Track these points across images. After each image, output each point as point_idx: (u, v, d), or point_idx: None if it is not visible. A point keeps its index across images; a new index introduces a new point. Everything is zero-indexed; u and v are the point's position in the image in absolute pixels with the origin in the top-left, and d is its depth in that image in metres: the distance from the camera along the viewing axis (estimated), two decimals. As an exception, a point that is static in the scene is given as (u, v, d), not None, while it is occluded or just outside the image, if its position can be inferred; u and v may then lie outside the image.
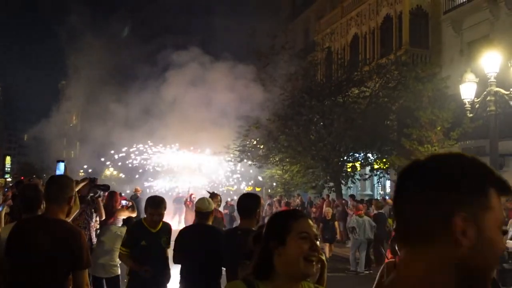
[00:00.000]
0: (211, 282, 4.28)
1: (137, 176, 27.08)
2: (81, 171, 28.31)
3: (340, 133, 16.38)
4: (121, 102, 23.65)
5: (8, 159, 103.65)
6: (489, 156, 11.27)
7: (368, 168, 17.99)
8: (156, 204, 4.77)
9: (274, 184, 22.00)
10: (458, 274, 0.91)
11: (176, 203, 20.25)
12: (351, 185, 18.10)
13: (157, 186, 24.31)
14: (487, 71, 10.48)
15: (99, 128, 24.75)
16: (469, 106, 11.17)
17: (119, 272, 6.06)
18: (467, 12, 18.07)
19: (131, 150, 23.46)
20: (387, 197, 18.89)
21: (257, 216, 3.86)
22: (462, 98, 11.32)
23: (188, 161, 22.66)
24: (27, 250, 2.82)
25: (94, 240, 7.17)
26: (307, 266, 1.75)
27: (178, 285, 4.43)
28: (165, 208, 4.83)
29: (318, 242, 1.82)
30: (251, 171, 21.12)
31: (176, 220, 19.09)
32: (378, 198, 21.12)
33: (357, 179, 18.31)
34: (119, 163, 24.55)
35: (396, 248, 5.85)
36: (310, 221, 1.88)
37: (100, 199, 7.17)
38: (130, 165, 25.05)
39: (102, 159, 26.07)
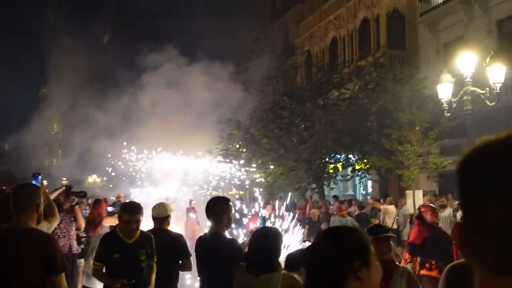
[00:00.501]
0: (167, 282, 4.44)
1: (122, 181, 26.66)
2: (64, 179, 27.80)
3: (321, 135, 16.40)
4: (102, 108, 23.30)
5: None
6: (467, 154, 11.37)
7: (349, 169, 18.03)
8: (131, 209, 4.18)
9: (255, 189, 21.85)
10: None
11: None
12: (334, 186, 18.13)
13: (142, 193, 23.88)
14: (463, 71, 10.57)
15: (80, 136, 24.33)
16: (447, 105, 11.26)
17: None
18: (442, 14, 18.28)
19: (112, 156, 23.07)
20: (368, 197, 18.98)
21: (225, 220, 3.81)
22: (440, 98, 11.41)
23: (175, 165, 22.35)
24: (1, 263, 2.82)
25: (75, 248, 6.99)
26: None
27: None
28: (142, 215, 4.22)
29: None
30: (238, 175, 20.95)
31: (176, 229, 18.53)
32: (360, 198, 21.21)
33: (339, 180, 18.33)
34: (105, 170, 24.15)
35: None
36: None
37: (78, 206, 7.00)
38: (113, 173, 24.66)
39: (84, 167, 25.64)
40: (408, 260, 5.87)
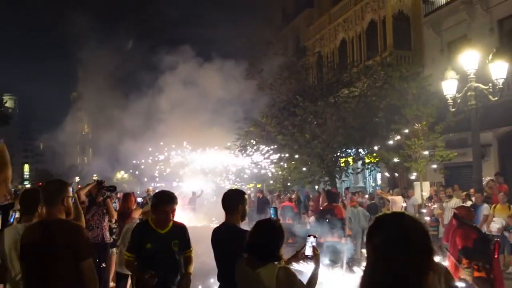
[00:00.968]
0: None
1: (145, 179, 27.01)
2: (95, 175, 28.27)
3: (332, 131, 16.35)
4: (128, 110, 23.60)
5: (26, 167, 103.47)
6: (471, 147, 11.25)
7: (360, 163, 17.95)
8: (166, 199, 3.87)
9: (271, 182, 21.87)
10: None
11: (190, 203, 19.16)
12: (345, 179, 18.09)
13: (167, 188, 24.13)
14: (466, 68, 10.47)
15: (109, 135, 24.69)
16: (451, 101, 11.16)
17: None
18: (446, 15, 18.06)
19: (142, 154, 23.45)
20: (377, 188, 18.89)
21: (240, 212, 3.73)
22: (444, 94, 11.31)
23: (199, 161, 22.61)
24: (36, 253, 2.92)
25: (108, 238, 7.13)
26: None
27: None
28: (176, 204, 3.90)
29: None
30: (254, 170, 21.03)
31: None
32: (370, 190, 21.11)
33: (350, 173, 18.27)
34: (131, 169, 24.56)
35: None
36: None
37: (110, 199, 7.13)
38: (142, 167, 24.96)
39: (114, 163, 26.06)
40: (465, 266, 5.40)
